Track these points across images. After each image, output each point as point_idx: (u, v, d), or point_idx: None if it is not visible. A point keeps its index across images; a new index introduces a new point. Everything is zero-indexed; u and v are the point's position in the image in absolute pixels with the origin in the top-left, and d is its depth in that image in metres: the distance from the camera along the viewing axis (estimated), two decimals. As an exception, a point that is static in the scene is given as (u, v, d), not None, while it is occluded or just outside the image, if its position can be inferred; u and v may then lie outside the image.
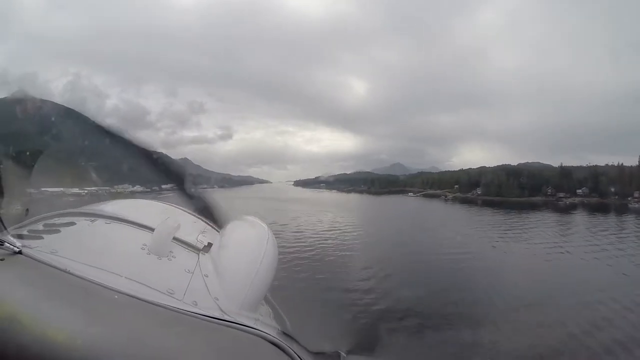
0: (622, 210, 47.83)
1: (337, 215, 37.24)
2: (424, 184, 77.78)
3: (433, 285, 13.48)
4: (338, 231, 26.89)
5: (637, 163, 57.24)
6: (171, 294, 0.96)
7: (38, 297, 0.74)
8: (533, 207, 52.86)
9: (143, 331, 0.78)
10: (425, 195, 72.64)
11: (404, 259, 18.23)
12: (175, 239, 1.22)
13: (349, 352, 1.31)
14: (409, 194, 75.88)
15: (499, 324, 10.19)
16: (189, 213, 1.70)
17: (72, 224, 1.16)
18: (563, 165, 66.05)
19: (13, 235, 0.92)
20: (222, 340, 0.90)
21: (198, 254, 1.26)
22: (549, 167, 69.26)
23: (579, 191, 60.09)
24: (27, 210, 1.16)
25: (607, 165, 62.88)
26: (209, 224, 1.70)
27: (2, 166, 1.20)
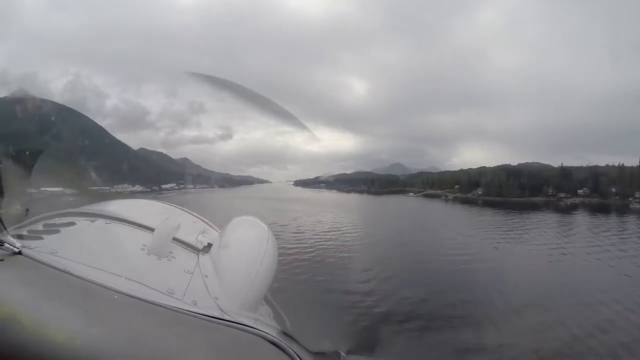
0: (623, 210, 47.70)
1: (337, 216, 37.18)
2: (424, 184, 77.63)
3: (435, 286, 13.36)
4: (338, 232, 26.76)
5: (638, 163, 57.18)
6: (171, 294, 0.96)
7: (38, 298, 0.74)
8: (534, 207, 52.73)
9: (143, 331, 0.78)
10: (426, 196, 72.50)
11: (405, 260, 18.14)
12: (175, 239, 1.22)
13: (348, 352, 1.30)
14: (410, 194, 75.73)
15: (501, 325, 10.12)
16: (189, 213, 1.71)
17: (72, 224, 1.16)
18: (563, 165, 65.92)
19: (13, 236, 0.92)
20: (222, 340, 0.90)
21: (198, 254, 1.26)
22: (548, 167, 69.12)
23: (579, 191, 59.95)
24: (27, 210, 1.16)
25: (607, 165, 62.77)
26: (209, 224, 1.70)
27: (2, 166, 1.20)
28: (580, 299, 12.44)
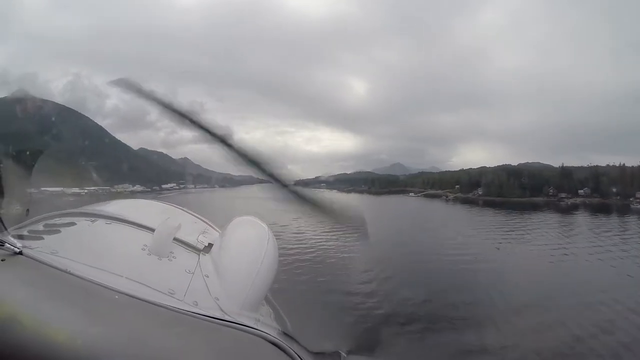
0: (624, 210, 47.64)
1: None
2: (425, 184, 77.60)
3: (436, 287, 13.33)
4: (339, 232, 26.72)
5: (639, 163, 57.08)
6: (172, 294, 0.96)
7: (38, 298, 0.74)
8: (534, 207, 52.70)
9: (144, 331, 0.78)
10: (426, 196, 72.47)
11: (406, 261, 18.09)
12: (175, 239, 1.22)
13: (349, 353, 1.30)
14: (410, 194, 75.70)
15: (503, 326, 10.08)
16: (189, 213, 1.70)
17: (73, 224, 1.16)
18: (564, 165, 65.85)
19: (13, 236, 0.92)
20: (223, 340, 0.90)
21: (198, 255, 1.26)
22: (549, 167, 69.12)
23: (580, 191, 59.89)
24: (28, 210, 1.16)
25: (608, 165, 62.73)
26: (209, 224, 1.70)
27: (2, 166, 1.20)
28: (581, 299, 12.43)
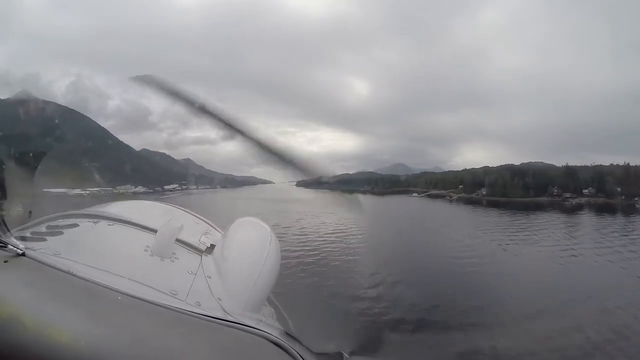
0: (629, 210, 47.22)
1: (341, 217, 36.96)
2: (428, 184, 77.32)
3: (444, 291, 12.97)
4: (343, 234, 26.38)
5: (640, 163, 56.59)
6: (174, 294, 0.96)
7: (41, 299, 0.75)
8: (539, 207, 52.27)
9: (146, 332, 0.78)
10: (429, 196, 72.17)
11: (412, 263, 17.59)
12: (178, 240, 1.22)
13: (351, 353, 1.30)
14: (413, 194, 75.41)
15: (515, 331, 9.76)
16: (191, 214, 1.71)
17: (75, 225, 1.17)
18: (567, 165, 65.46)
19: (16, 237, 0.93)
20: (225, 341, 0.90)
21: (201, 255, 1.26)
22: (552, 167, 68.67)
23: (585, 191, 59.46)
24: (30, 212, 1.17)
25: (612, 165, 62.27)
26: (212, 226, 1.70)
27: (5, 167, 1.21)
28: (595, 303, 12.06)
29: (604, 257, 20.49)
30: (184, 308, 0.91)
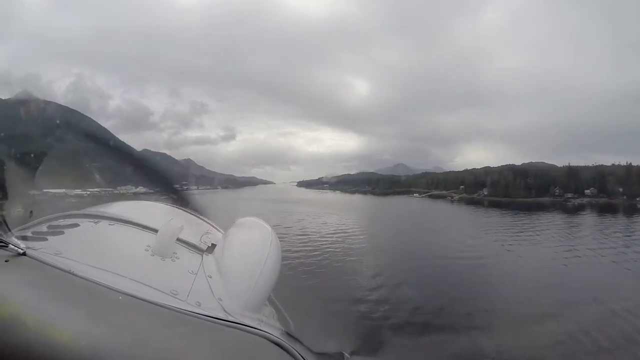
0: (631, 210, 47.08)
1: (342, 218, 36.86)
2: (429, 185, 77.33)
3: (448, 293, 12.78)
4: (344, 234, 26.17)
5: (641, 163, 56.39)
6: (175, 294, 0.96)
7: (42, 299, 0.74)
8: (541, 207, 52.11)
9: (147, 332, 0.78)
10: (431, 196, 72.15)
11: (415, 265, 17.29)
12: (178, 240, 1.22)
13: (352, 353, 1.30)
14: (414, 194, 75.40)
15: (521, 334, 9.59)
16: (192, 214, 1.71)
17: (76, 225, 1.17)
18: (569, 165, 65.38)
19: (17, 237, 0.93)
20: (226, 341, 0.90)
21: (202, 255, 1.26)
22: (553, 167, 68.73)
23: (587, 191, 59.35)
24: (31, 211, 1.17)
25: (613, 165, 62.18)
26: (212, 225, 1.70)
27: (6, 168, 1.21)
28: (602, 306, 11.83)
29: (608, 258, 20.33)
30: (185, 308, 0.91)
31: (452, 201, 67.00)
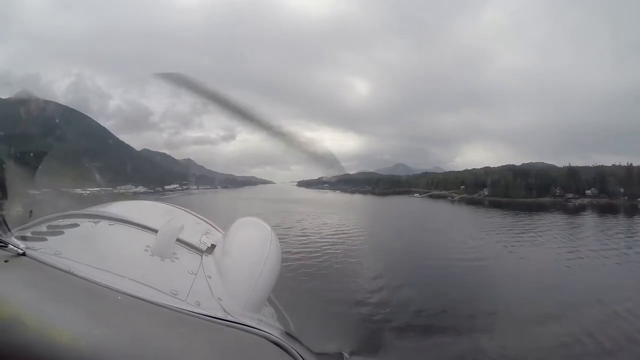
0: (632, 211, 46.97)
1: (343, 218, 36.71)
2: (429, 185, 77.19)
3: (449, 294, 12.70)
4: (345, 235, 26.01)
5: (641, 164, 56.27)
6: (175, 294, 0.96)
7: (42, 299, 0.75)
8: (541, 208, 51.92)
9: (147, 332, 0.78)
10: (431, 196, 72.03)
11: (416, 266, 17.15)
12: (178, 240, 1.22)
13: (352, 353, 1.30)
14: (415, 194, 75.25)
15: (524, 336, 9.48)
16: (192, 214, 1.71)
17: (76, 225, 1.17)
18: (569, 165, 65.30)
19: (17, 237, 0.93)
20: (226, 341, 0.90)
21: (201, 256, 1.26)
22: (553, 167, 68.60)
23: (588, 192, 59.24)
24: (31, 211, 1.17)
25: (614, 165, 62.08)
26: (212, 226, 1.70)
27: (5, 167, 1.21)
28: (605, 307, 11.75)
29: (612, 259, 20.21)
30: (185, 308, 0.91)
31: (453, 201, 66.90)
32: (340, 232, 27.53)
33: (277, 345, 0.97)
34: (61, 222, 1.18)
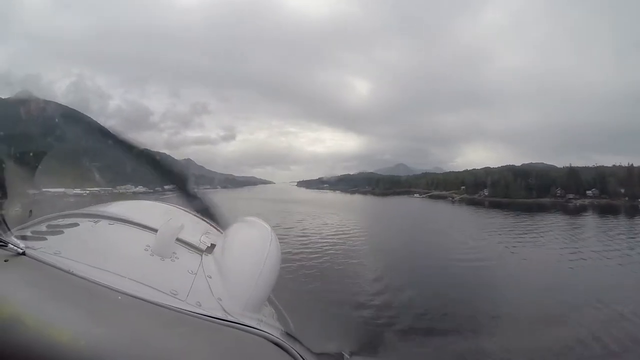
0: (632, 212, 46.94)
1: (343, 218, 36.67)
2: (429, 185, 77.24)
3: (451, 295, 12.62)
4: (345, 235, 25.93)
5: (642, 164, 56.19)
6: (174, 294, 0.96)
7: (42, 298, 0.74)
8: (542, 208, 51.82)
9: (146, 332, 0.78)
10: (431, 197, 72.05)
11: (418, 267, 17.13)
12: (178, 240, 1.22)
13: (352, 354, 1.30)
14: (415, 195, 75.26)
15: (527, 337, 9.39)
16: (192, 214, 1.71)
17: (76, 225, 1.17)
18: (569, 165, 65.28)
19: (17, 237, 0.93)
20: (225, 341, 0.90)
21: (201, 255, 1.26)
22: (554, 168, 68.69)
23: (588, 192, 59.20)
24: (31, 211, 1.17)
25: (614, 165, 62.08)
26: (212, 225, 1.70)
27: (5, 167, 1.21)
28: (609, 309, 11.69)
29: (614, 260, 20.17)
30: (184, 308, 0.91)
31: (453, 202, 66.88)
32: (341, 232, 27.45)
33: (277, 345, 0.97)
34: (61, 221, 1.18)
